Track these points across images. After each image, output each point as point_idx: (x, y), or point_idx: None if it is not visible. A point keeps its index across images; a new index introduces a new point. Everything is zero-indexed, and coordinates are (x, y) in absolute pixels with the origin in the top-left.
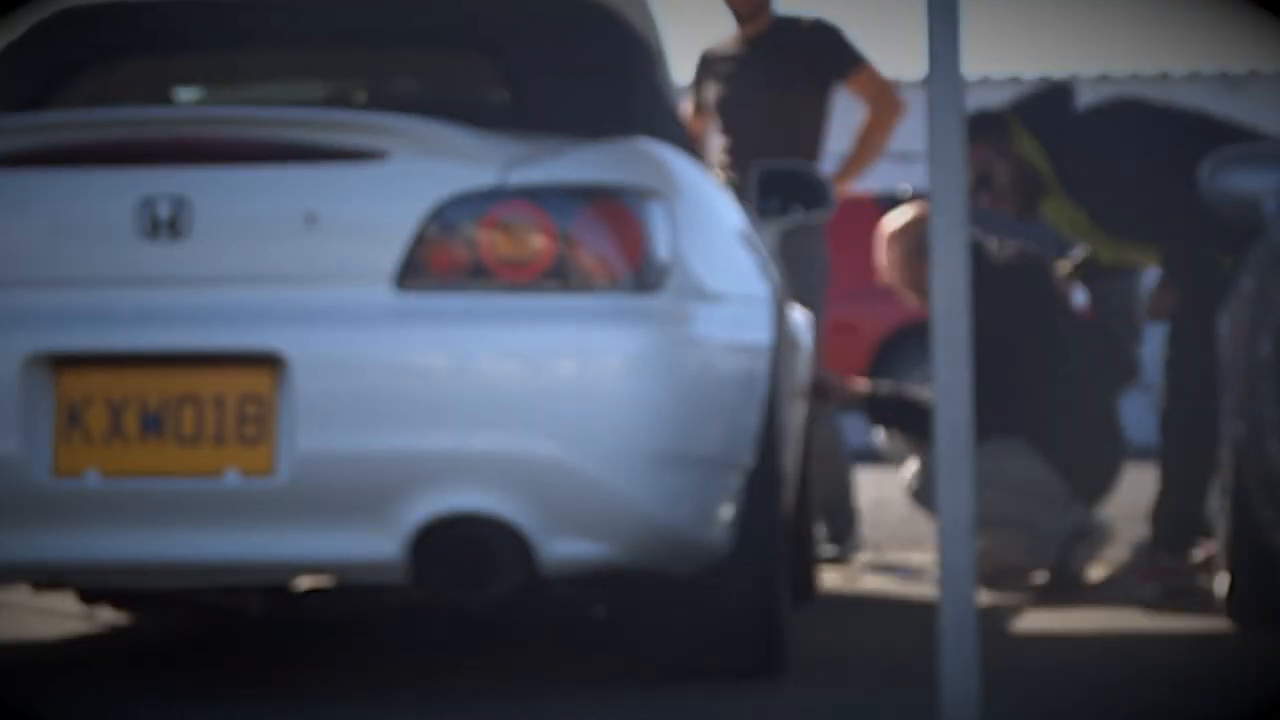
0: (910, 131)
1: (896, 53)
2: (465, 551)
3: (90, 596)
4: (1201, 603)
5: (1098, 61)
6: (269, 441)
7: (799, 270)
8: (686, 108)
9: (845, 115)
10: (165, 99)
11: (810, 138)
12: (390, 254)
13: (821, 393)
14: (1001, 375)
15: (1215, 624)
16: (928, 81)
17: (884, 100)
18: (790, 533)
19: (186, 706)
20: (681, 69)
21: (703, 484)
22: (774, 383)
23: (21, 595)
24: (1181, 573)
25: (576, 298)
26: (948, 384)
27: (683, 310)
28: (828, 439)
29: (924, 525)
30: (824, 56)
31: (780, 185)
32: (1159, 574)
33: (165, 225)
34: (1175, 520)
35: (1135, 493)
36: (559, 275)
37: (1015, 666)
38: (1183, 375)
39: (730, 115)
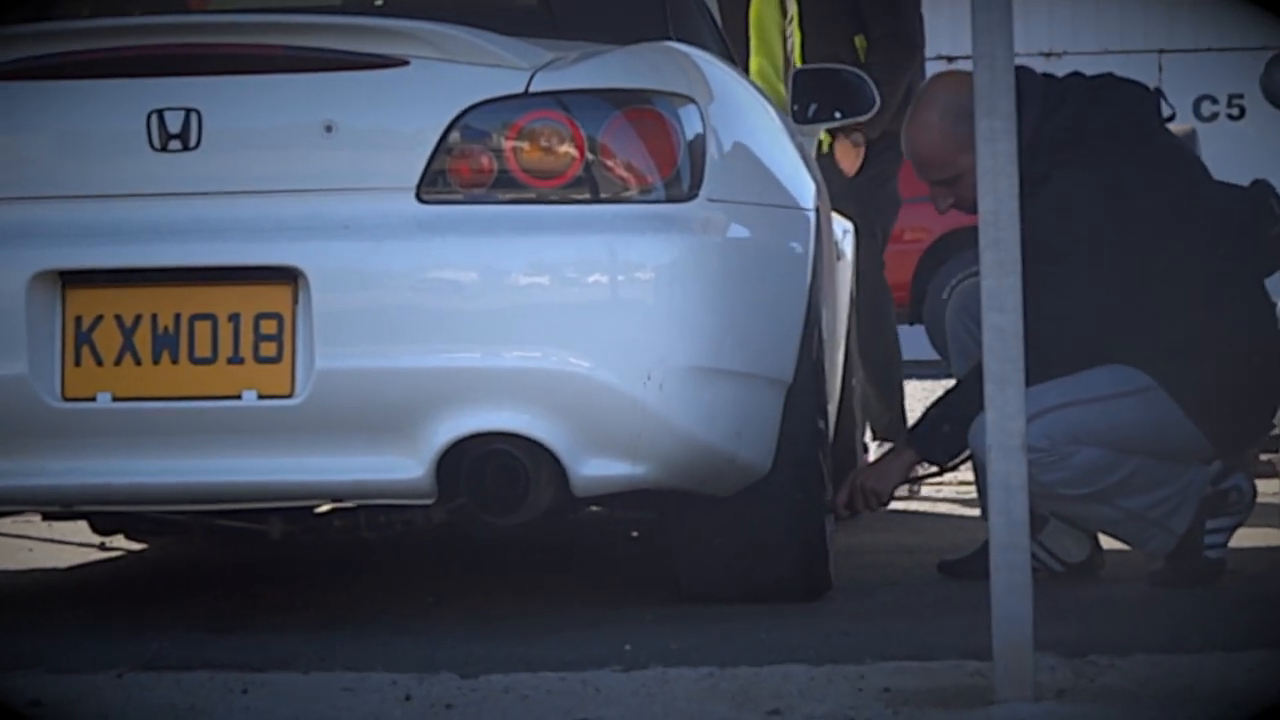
0: (955, 35)
1: None
2: (494, 472)
3: (103, 525)
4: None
5: None
6: (287, 361)
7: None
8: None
9: None
10: (175, 6)
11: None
12: (412, 164)
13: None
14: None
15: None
16: None
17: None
18: (834, 449)
19: (204, 639)
20: None
21: (741, 400)
22: (814, 294)
23: (32, 525)
24: None
25: (607, 207)
26: (996, 290)
27: (717, 219)
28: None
29: None
30: None
31: (818, 88)
32: None
33: (176, 136)
34: None
35: None
36: (588, 184)
37: (1068, 586)
38: None
39: None
